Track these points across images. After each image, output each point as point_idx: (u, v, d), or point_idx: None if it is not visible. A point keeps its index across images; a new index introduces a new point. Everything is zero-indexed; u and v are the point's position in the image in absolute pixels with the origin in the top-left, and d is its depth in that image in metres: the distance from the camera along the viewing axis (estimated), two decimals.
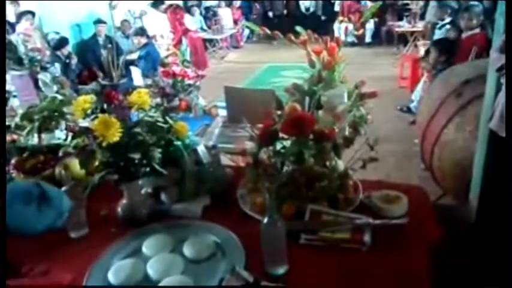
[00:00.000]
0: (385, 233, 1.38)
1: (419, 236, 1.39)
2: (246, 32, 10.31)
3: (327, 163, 1.55)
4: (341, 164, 1.60)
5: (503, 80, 1.98)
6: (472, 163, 2.50)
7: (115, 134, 1.35)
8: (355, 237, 1.37)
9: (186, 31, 7.89)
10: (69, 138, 1.87)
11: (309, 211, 1.45)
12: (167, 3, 7.98)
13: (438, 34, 5.58)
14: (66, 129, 1.93)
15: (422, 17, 8.12)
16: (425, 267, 1.26)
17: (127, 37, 6.84)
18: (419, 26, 7.85)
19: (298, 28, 1.73)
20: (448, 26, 5.34)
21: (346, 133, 1.61)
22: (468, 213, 2.47)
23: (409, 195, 1.55)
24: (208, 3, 10.11)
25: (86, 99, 1.42)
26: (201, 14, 9.58)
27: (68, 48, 5.74)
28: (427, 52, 4.78)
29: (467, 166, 2.56)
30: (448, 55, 4.50)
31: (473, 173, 2.50)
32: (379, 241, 1.35)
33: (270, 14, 10.63)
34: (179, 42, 7.80)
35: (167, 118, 1.53)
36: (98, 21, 6.47)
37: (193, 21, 9.09)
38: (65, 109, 1.94)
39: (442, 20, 5.93)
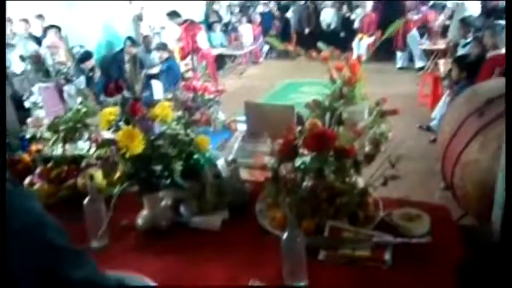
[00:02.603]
0: (406, 251, 1.36)
1: (442, 256, 1.36)
2: (265, 48, 10.39)
3: (347, 179, 1.54)
4: (361, 181, 1.59)
5: None
6: (495, 183, 2.45)
7: (138, 146, 1.37)
8: (375, 255, 1.35)
9: (197, 49, 7.99)
10: (92, 149, 1.91)
11: (329, 227, 1.44)
12: (184, 17, 8.08)
13: (461, 52, 5.54)
14: (89, 139, 1.97)
15: (442, 35, 8.07)
16: None
17: (149, 52, 6.97)
18: (440, 44, 7.80)
19: (320, 44, 1.75)
20: (471, 44, 5.30)
21: (367, 150, 1.60)
22: (491, 234, 2.41)
23: (431, 214, 1.53)
24: (228, 19, 10.26)
25: (112, 111, 1.46)
26: (220, 30, 9.70)
27: (92, 62, 5.87)
28: (450, 70, 4.75)
29: (490, 186, 2.51)
30: (469, 72, 4.45)
31: (496, 192, 2.45)
32: (400, 260, 1.34)
33: (290, 30, 10.70)
34: (186, 57, 7.85)
35: (189, 131, 1.55)
36: (131, 40, 6.59)
37: (213, 38, 9.22)
38: (88, 120, 1.99)
39: (466, 38, 5.88)
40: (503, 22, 5.90)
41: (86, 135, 1.98)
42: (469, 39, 5.67)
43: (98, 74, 5.86)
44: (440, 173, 3.34)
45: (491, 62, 4.45)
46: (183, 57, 7.68)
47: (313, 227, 1.45)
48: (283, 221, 1.46)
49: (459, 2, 8.18)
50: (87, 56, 5.90)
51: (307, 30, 10.32)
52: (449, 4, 9.00)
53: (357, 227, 1.45)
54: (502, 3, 7.46)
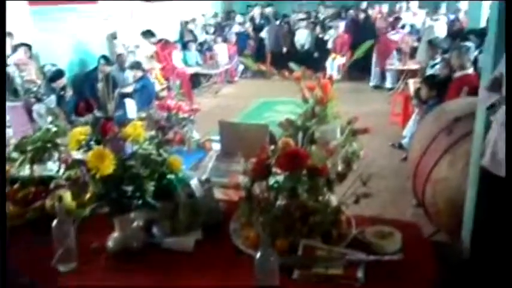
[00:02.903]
0: (379, 269, 1.37)
1: (414, 272, 1.38)
2: (241, 67, 10.47)
3: (320, 198, 1.55)
4: (334, 199, 1.60)
5: (493, 118, 2.02)
6: (464, 201, 2.51)
7: (109, 166, 1.35)
8: (348, 273, 1.36)
9: (172, 67, 8.05)
10: (62, 170, 1.86)
11: (302, 246, 1.44)
12: (158, 37, 8.11)
13: (430, 72, 5.73)
14: (59, 160, 1.92)
15: (411, 56, 8.33)
16: None
17: (123, 70, 6.92)
18: (410, 64, 8.05)
19: (292, 64, 1.78)
20: (438, 65, 5.49)
21: (339, 168, 1.62)
22: (462, 250, 2.46)
23: (403, 231, 1.55)
24: (203, 38, 10.31)
25: (81, 131, 1.43)
26: (196, 49, 9.74)
27: (64, 81, 5.77)
28: (418, 90, 4.88)
29: (460, 203, 2.56)
30: (438, 91, 4.60)
31: (464, 210, 2.50)
32: (373, 277, 1.34)
33: (265, 50, 10.82)
34: (168, 77, 7.92)
35: (161, 151, 1.54)
36: (105, 58, 6.52)
37: (188, 57, 9.25)
38: (58, 140, 1.95)
39: (433, 59, 6.09)
40: (468, 44, 6.16)
41: (55, 155, 1.94)
42: (436, 60, 5.87)
43: (69, 92, 5.75)
44: (412, 191, 3.41)
45: (459, 82, 4.61)
46: (166, 78, 7.68)
47: (287, 246, 1.45)
48: (257, 240, 1.45)
49: (428, 23, 8.53)
50: (58, 74, 5.79)
51: (281, 50, 10.46)
52: (418, 26, 9.35)
53: (330, 245, 1.46)
54: (467, 26, 7.80)
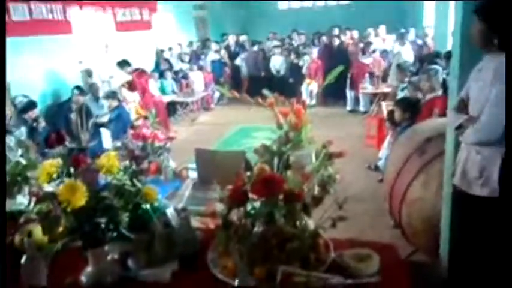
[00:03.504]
0: None
1: None
2: (217, 94, 10.51)
3: (297, 223, 1.54)
4: (311, 224, 1.60)
5: (461, 138, 2.08)
6: (439, 220, 2.54)
7: (81, 199, 1.32)
8: None
9: (150, 96, 8.07)
10: (32, 203, 1.81)
11: (281, 273, 1.42)
12: (134, 66, 8.11)
13: (400, 95, 5.89)
14: (29, 194, 1.87)
15: (384, 79, 8.55)
16: None
17: (96, 100, 6.86)
18: (383, 87, 8.25)
19: (265, 91, 1.80)
20: (407, 88, 5.65)
21: (316, 192, 1.62)
22: (440, 270, 2.48)
23: (380, 253, 1.55)
24: (179, 67, 10.35)
25: (52, 164, 1.40)
26: (172, 77, 9.75)
27: (36, 112, 5.66)
28: (391, 112, 4.99)
29: (436, 222, 2.60)
30: (411, 113, 4.71)
31: (441, 229, 2.53)
32: None
33: (241, 76, 10.91)
34: (146, 105, 7.91)
35: (135, 181, 1.51)
36: (78, 89, 6.45)
37: (164, 85, 9.27)
38: (29, 174, 1.90)
39: (403, 82, 6.28)
40: (436, 67, 6.39)
41: (26, 189, 1.89)
42: (405, 84, 6.05)
43: (42, 124, 5.64)
44: (389, 212, 3.44)
45: (429, 104, 4.74)
46: (145, 108, 7.65)
47: (265, 273, 1.43)
48: (235, 269, 1.43)
49: (397, 49, 8.81)
50: (30, 105, 5.67)
51: (259, 76, 10.57)
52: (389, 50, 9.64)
53: (308, 270, 1.45)
54: (435, 50, 8.09)
